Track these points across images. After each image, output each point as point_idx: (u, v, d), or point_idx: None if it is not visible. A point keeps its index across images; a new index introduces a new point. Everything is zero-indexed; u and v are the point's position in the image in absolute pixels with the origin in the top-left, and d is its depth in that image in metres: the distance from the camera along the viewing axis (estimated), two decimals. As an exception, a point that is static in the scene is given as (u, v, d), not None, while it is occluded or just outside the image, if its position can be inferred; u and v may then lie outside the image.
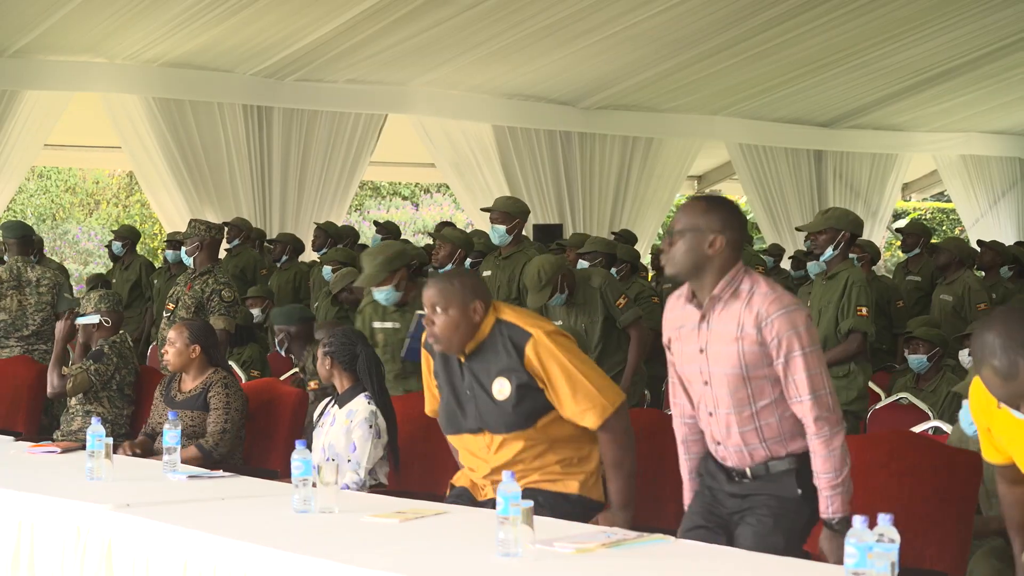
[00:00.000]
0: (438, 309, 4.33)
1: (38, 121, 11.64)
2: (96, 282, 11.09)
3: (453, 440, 4.52)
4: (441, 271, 8.28)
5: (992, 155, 18.10)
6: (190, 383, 5.99)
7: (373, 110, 13.11)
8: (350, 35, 11.40)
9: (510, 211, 8.06)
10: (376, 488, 5.23)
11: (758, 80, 14.21)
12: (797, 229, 7.94)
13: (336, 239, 10.94)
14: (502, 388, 4.31)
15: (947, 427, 5.14)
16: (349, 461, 5.18)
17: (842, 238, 6.84)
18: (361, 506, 4.11)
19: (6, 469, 4.95)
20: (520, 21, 11.49)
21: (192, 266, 8.19)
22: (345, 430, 5.25)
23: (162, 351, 6.03)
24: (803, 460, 3.80)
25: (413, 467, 5.66)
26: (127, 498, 4.20)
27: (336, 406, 5.39)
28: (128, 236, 11.53)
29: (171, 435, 4.82)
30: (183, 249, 8.46)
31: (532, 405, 4.31)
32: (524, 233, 8.33)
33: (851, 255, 8.17)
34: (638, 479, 4.37)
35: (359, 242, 11.49)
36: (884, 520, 2.92)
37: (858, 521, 2.94)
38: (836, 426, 3.73)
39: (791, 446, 3.79)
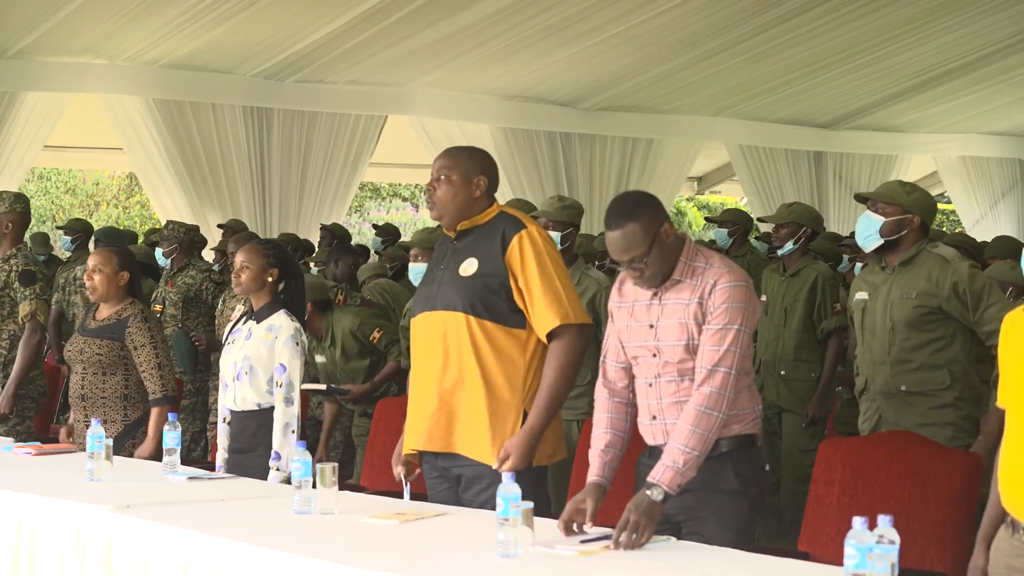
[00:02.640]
0: (442, 176, 4.29)
1: (38, 122, 11.63)
2: None
3: (412, 324, 4.40)
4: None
5: (992, 156, 18.10)
6: (106, 311, 5.75)
7: (373, 111, 13.11)
8: (350, 36, 11.40)
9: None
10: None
11: (758, 81, 14.22)
12: (759, 219, 7.95)
13: (342, 240, 10.93)
14: (468, 266, 4.25)
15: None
16: (280, 386, 5.06)
17: (803, 234, 6.89)
18: (361, 507, 4.11)
19: (6, 470, 4.95)
20: (520, 22, 11.49)
21: (169, 266, 8.29)
22: (267, 344, 5.11)
23: (85, 281, 5.78)
24: (736, 444, 3.80)
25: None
26: (127, 499, 4.20)
27: (253, 321, 5.23)
28: (80, 230, 11.08)
29: (171, 436, 4.82)
30: (159, 250, 8.50)
31: (491, 298, 4.20)
32: None
33: (846, 255, 8.17)
34: (615, 481, 4.32)
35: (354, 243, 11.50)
36: (884, 521, 2.92)
37: (858, 522, 2.94)
38: (721, 412, 3.70)
39: (728, 427, 3.78)
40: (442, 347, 4.26)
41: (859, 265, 7.86)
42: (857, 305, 5.19)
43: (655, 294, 3.84)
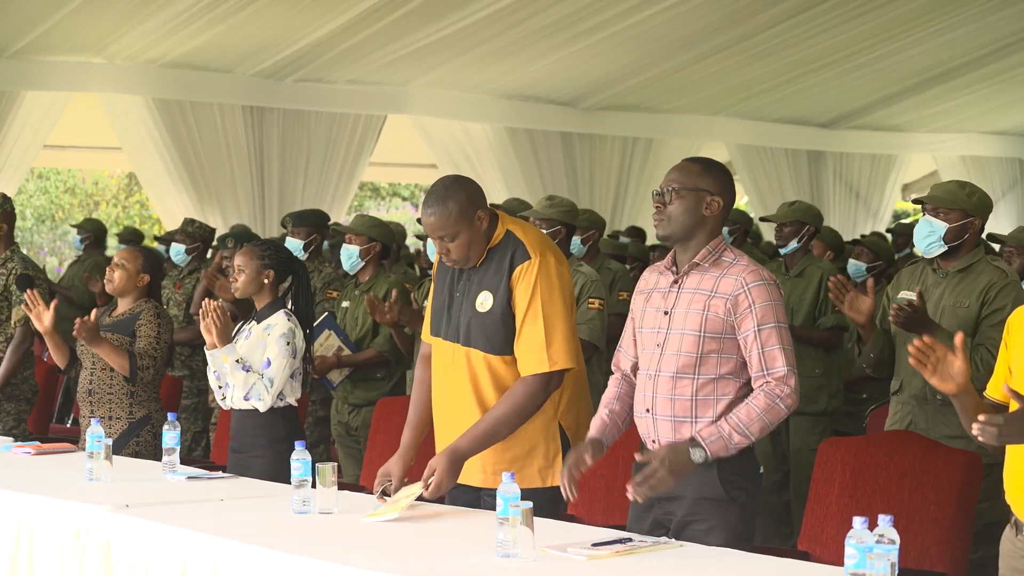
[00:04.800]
0: (446, 238, 4.14)
1: (37, 122, 11.63)
2: None
3: (432, 341, 4.33)
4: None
5: (992, 156, 18.10)
6: (122, 308, 5.81)
7: (373, 111, 13.11)
8: (350, 35, 11.40)
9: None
10: (285, 410, 5.16)
11: (758, 80, 14.22)
12: (762, 219, 7.91)
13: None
14: (484, 301, 4.16)
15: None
16: (262, 377, 5.07)
17: (806, 232, 6.87)
18: (360, 507, 4.11)
19: (5, 470, 4.94)
20: (520, 21, 11.49)
21: (182, 265, 8.25)
22: (261, 343, 5.13)
23: (107, 273, 5.84)
24: None
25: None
26: (126, 499, 4.20)
27: (254, 322, 5.25)
28: (90, 231, 11.18)
29: (170, 436, 4.81)
30: (181, 247, 8.43)
31: (508, 333, 4.13)
32: None
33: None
34: (616, 481, 4.30)
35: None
36: (884, 521, 2.92)
37: (858, 522, 2.94)
38: (789, 407, 3.72)
39: None
40: (469, 383, 4.20)
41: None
42: (903, 303, 5.09)
43: (675, 281, 3.84)
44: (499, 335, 4.15)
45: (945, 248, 4.94)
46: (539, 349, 4.08)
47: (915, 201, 5.19)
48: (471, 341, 4.18)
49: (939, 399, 4.92)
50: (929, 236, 4.96)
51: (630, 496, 3.74)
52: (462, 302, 4.23)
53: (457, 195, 4.15)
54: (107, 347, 5.62)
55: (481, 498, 4.22)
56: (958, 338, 3.28)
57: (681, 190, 3.79)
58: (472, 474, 4.21)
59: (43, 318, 5.67)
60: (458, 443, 4.12)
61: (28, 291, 5.75)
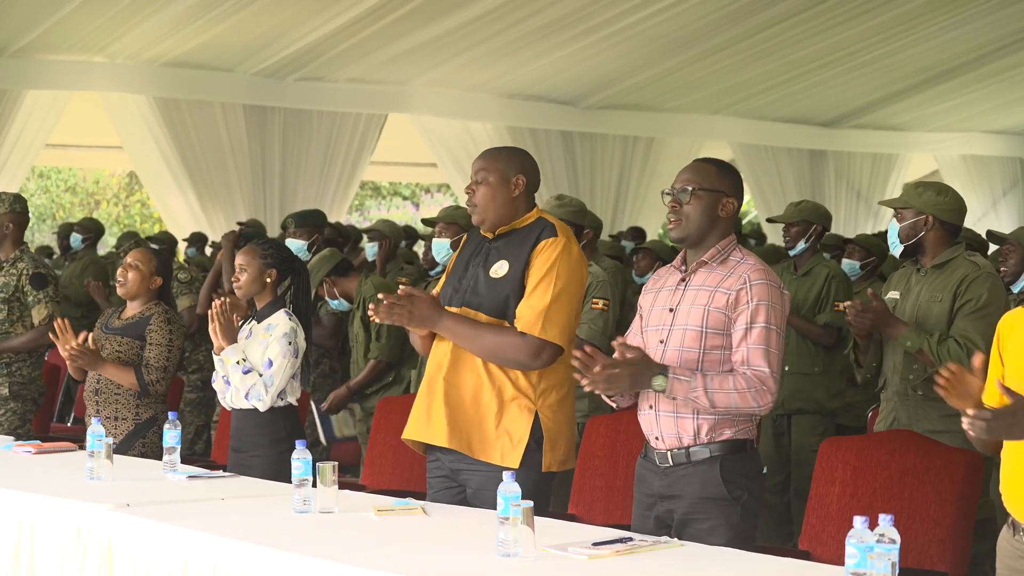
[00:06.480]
0: (479, 177, 4.23)
1: (38, 121, 11.65)
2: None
3: None
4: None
5: (993, 155, 18.11)
6: (132, 311, 5.75)
7: (373, 110, 13.12)
8: (350, 34, 11.41)
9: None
10: (286, 409, 5.17)
11: (759, 80, 14.22)
12: (768, 220, 7.89)
13: (346, 239, 10.90)
14: (499, 268, 4.20)
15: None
16: (261, 376, 5.07)
17: (814, 231, 6.88)
18: (361, 506, 4.11)
19: (6, 469, 4.94)
20: (520, 20, 11.50)
21: None
22: (263, 343, 5.12)
23: (118, 274, 5.77)
24: (726, 450, 3.79)
25: (413, 468, 5.65)
26: (127, 498, 4.19)
27: (254, 321, 5.24)
28: (92, 230, 11.11)
29: (171, 435, 4.81)
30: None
31: (514, 300, 4.14)
32: None
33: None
34: (617, 481, 4.26)
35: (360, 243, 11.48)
36: (885, 520, 2.92)
37: (859, 521, 2.94)
38: (761, 405, 3.71)
39: (719, 432, 3.78)
40: (454, 345, 4.22)
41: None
42: (888, 304, 5.15)
43: (682, 279, 3.86)
44: (501, 299, 4.15)
45: (902, 247, 5.02)
46: (539, 315, 4.09)
47: (880, 203, 5.28)
48: (469, 302, 4.20)
49: (920, 394, 4.97)
50: (891, 236, 5.10)
51: (583, 382, 3.72)
52: (476, 273, 4.25)
53: (513, 153, 4.33)
54: (111, 368, 5.58)
55: (467, 496, 4.23)
56: (978, 359, 3.27)
57: (699, 191, 3.83)
58: (439, 433, 4.21)
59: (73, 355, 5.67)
60: (446, 314, 4.15)
61: (57, 322, 5.71)
